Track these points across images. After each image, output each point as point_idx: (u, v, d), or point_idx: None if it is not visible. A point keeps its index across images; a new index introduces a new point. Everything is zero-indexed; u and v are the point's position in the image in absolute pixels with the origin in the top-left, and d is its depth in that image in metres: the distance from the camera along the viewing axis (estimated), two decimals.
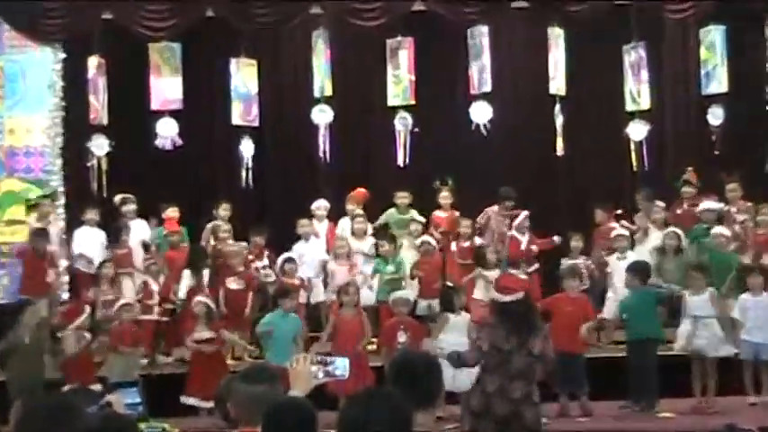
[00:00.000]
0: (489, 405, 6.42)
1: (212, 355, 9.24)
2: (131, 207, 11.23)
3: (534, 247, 11.04)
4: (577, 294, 9.27)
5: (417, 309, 10.28)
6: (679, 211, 11.17)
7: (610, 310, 10.05)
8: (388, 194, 11.86)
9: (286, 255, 10.72)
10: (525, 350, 6.43)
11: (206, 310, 9.33)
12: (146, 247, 11.03)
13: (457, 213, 11.60)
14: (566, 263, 10.57)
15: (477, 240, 11.17)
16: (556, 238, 11.06)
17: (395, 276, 10.65)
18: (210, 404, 8.36)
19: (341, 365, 3.84)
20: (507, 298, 6.57)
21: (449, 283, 9.67)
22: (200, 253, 10.64)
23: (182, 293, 10.33)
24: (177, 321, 10.40)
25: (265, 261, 10.98)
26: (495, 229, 11.37)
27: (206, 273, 10.59)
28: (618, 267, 10.13)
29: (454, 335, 8.64)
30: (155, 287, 10.46)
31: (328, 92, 12.25)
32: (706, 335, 8.88)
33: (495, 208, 11.48)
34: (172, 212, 11.38)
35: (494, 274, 9.94)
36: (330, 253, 11.16)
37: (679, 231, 10.47)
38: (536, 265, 10.98)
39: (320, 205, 11.70)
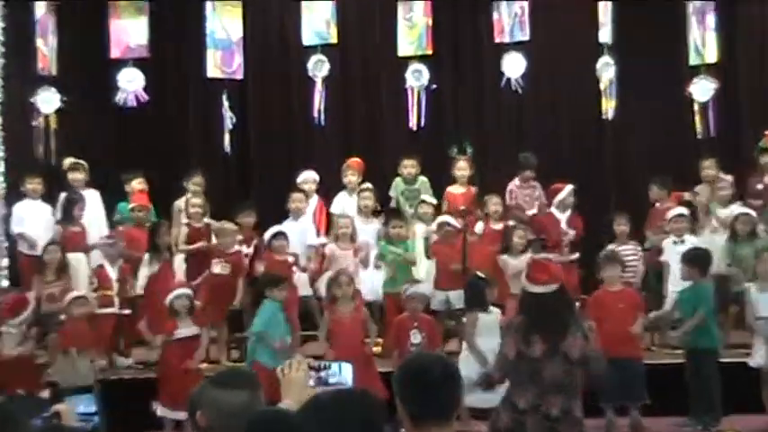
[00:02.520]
0: (521, 426, 6.33)
1: (185, 357, 9.23)
2: (79, 176, 11.08)
3: (572, 232, 10.90)
4: (620, 286, 9.22)
5: (432, 302, 10.24)
6: (760, 186, 11.07)
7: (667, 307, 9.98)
8: (397, 165, 11.81)
9: (275, 228, 10.63)
10: (560, 355, 6.31)
11: (189, 305, 9.31)
12: (116, 223, 10.95)
13: (474, 189, 11.54)
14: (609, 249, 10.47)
15: (511, 223, 10.99)
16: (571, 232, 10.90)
17: (406, 260, 10.58)
18: (181, 415, 8.41)
19: (339, 373, 3.84)
20: (538, 289, 6.46)
21: (479, 273, 9.50)
22: (158, 229, 10.53)
23: (140, 283, 10.30)
24: (135, 316, 10.37)
25: (251, 249, 10.90)
26: (522, 206, 11.34)
27: (179, 259, 10.60)
28: (674, 255, 10.07)
29: (483, 337, 8.61)
30: (112, 274, 10.34)
31: (333, 39, 12.27)
32: None
33: (516, 182, 11.47)
34: (138, 185, 11.35)
35: (518, 262, 9.89)
36: (329, 235, 11.12)
37: (752, 213, 10.41)
38: (576, 254, 10.85)
39: (307, 178, 11.61)
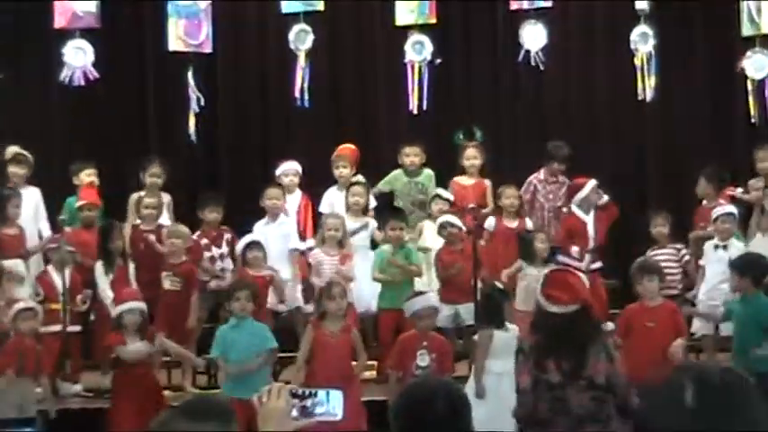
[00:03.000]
0: None
1: (144, 379, 9.25)
2: (20, 171, 11.02)
3: (590, 235, 10.80)
4: (659, 301, 9.13)
5: (438, 318, 10.22)
6: None
7: (698, 323, 10.05)
8: (395, 154, 11.82)
9: (249, 238, 10.62)
10: (585, 381, 6.31)
11: (141, 320, 9.28)
12: (63, 222, 10.94)
13: (488, 182, 11.58)
14: (649, 256, 10.39)
15: (529, 222, 11.09)
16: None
17: (411, 272, 10.57)
18: None
19: (326, 401, 3.78)
20: (555, 308, 6.43)
21: (497, 284, 9.48)
22: (110, 232, 10.54)
23: (107, 294, 10.22)
24: (89, 334, 10.41)
25: (224, 248, 10.93)
26: (543, 205, 11.44)
27: (131, 267, 10.67)
28: (714, 261, 10.11)
29: (499, 359, 8.57)
30: (60, 284, 10.23)
31: (319, 5, 12.38)
32: None
33: (541, 174, 11.50)
34: (87, 177, 11.32)
35: (540, 273, 9.85)
36: (315, 238, 11.17)
37: None
38: (597, 264, 10.76)
39: (288, 170, 11.59)
